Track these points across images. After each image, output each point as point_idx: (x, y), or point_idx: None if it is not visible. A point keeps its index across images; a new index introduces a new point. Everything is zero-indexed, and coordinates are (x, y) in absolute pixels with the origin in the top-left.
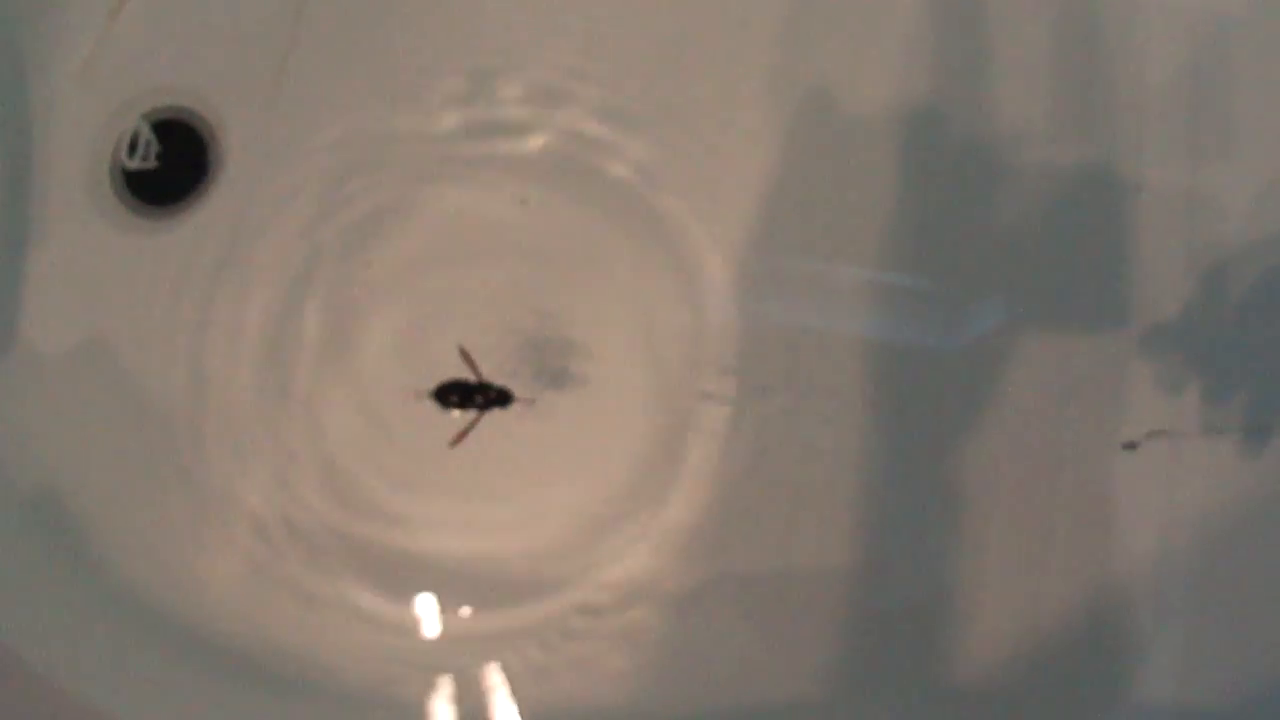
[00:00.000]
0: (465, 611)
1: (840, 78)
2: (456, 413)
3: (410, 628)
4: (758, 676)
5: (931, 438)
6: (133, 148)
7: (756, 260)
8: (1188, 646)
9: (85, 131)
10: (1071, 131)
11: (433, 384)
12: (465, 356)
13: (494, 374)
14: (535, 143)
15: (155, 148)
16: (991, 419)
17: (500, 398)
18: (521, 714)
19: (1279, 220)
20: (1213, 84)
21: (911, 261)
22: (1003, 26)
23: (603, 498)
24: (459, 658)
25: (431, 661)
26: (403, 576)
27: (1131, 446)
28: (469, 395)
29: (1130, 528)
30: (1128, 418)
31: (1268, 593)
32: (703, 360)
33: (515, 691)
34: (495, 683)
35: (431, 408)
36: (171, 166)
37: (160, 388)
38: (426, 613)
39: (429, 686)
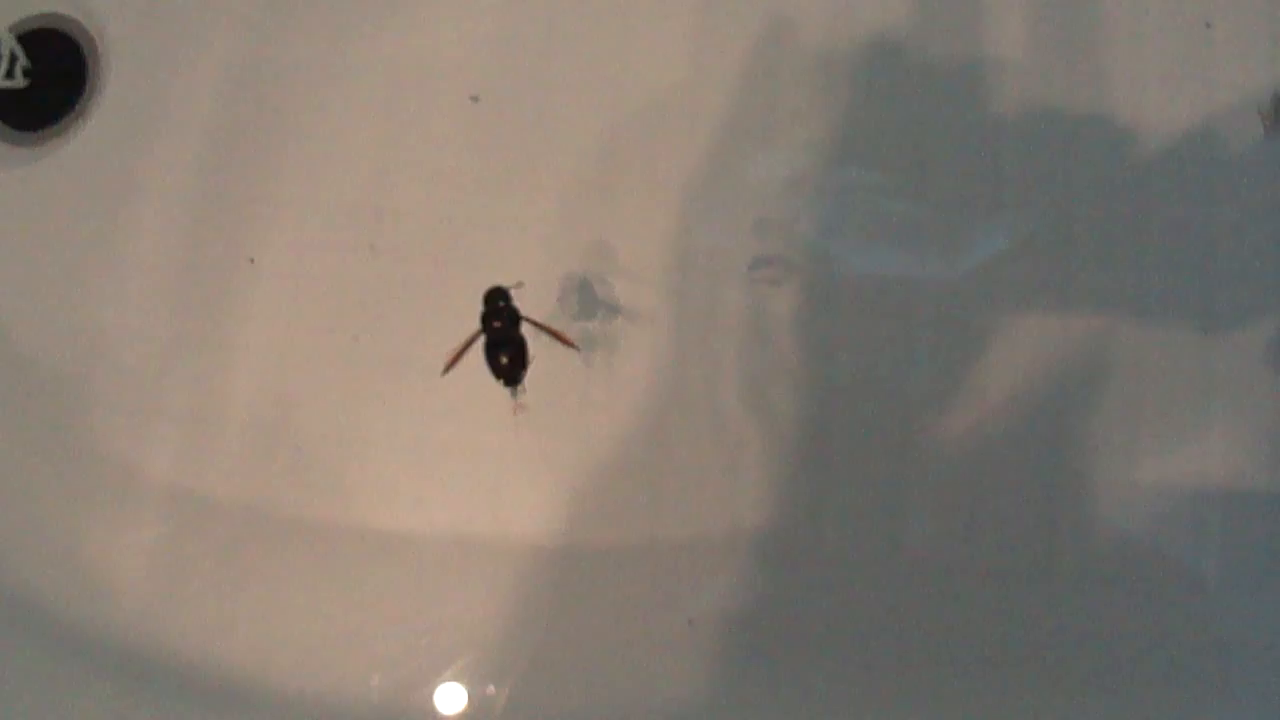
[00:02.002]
0: (416, 600)
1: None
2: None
3: (346, 619)
4: None
5: (934, 371)
6: None
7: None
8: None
9: None
10: (1068, 53)
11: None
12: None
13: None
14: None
15: (24, 64)
16: (993, 351)
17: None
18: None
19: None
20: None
21: (906, 187)
22: None
23: None
24: (403, 653)
25: (372, 660)
26: (340, 557)
27: None
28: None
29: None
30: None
31: None
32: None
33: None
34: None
35: (364, 346)
36: (43, 84)
37: (43, 343)
38: (367, 600)
39: (365, 688)
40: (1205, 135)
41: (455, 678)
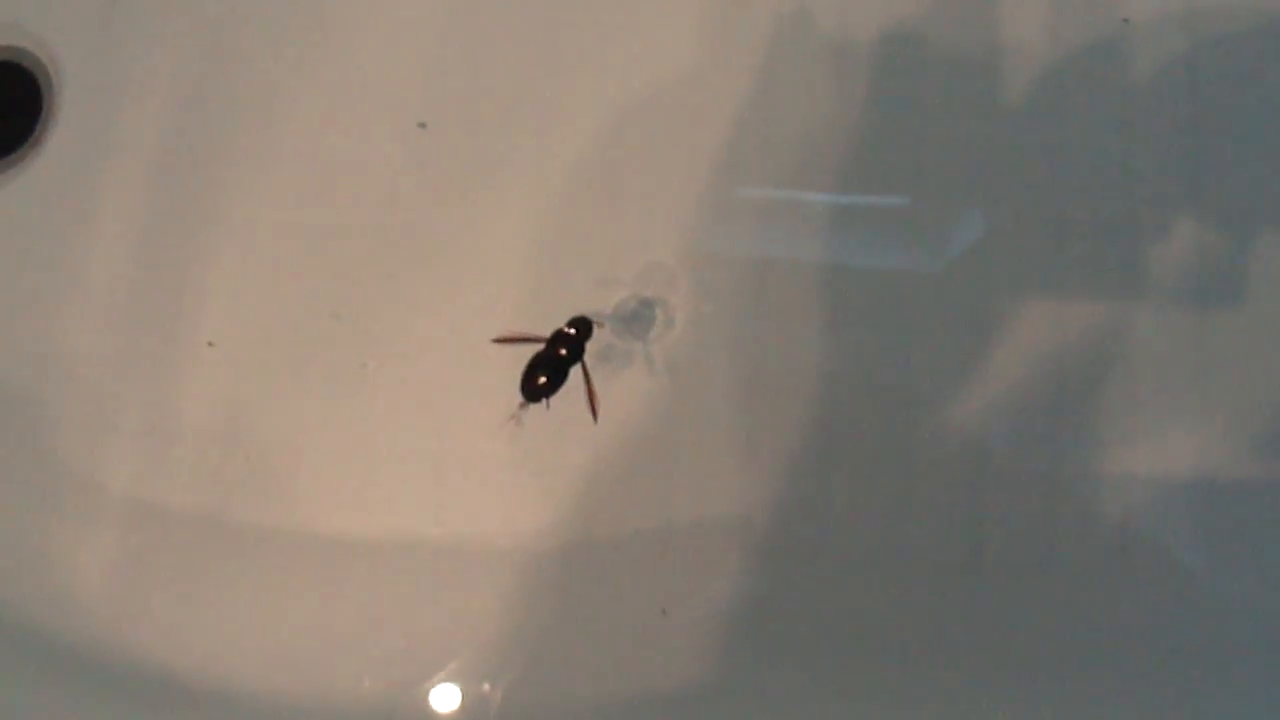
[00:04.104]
0: (377, 608)
1: None
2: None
3: (303, 626)
4: None
5: (913, 366)
6: None
7: (718, 187)
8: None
9: None
10: (1050, 36)
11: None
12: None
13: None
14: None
15: None
16: (979, 343)
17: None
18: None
19: None
20: None
21: (883, 180)
22: None
23: None
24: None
25: (356, 662)
26: (295, 566)
27: None
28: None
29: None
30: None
31: None
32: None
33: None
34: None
35: (325, 360)
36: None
37: (2, 364)
38: (325, 609)
39: (341, 690)
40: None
41: (443, 681)
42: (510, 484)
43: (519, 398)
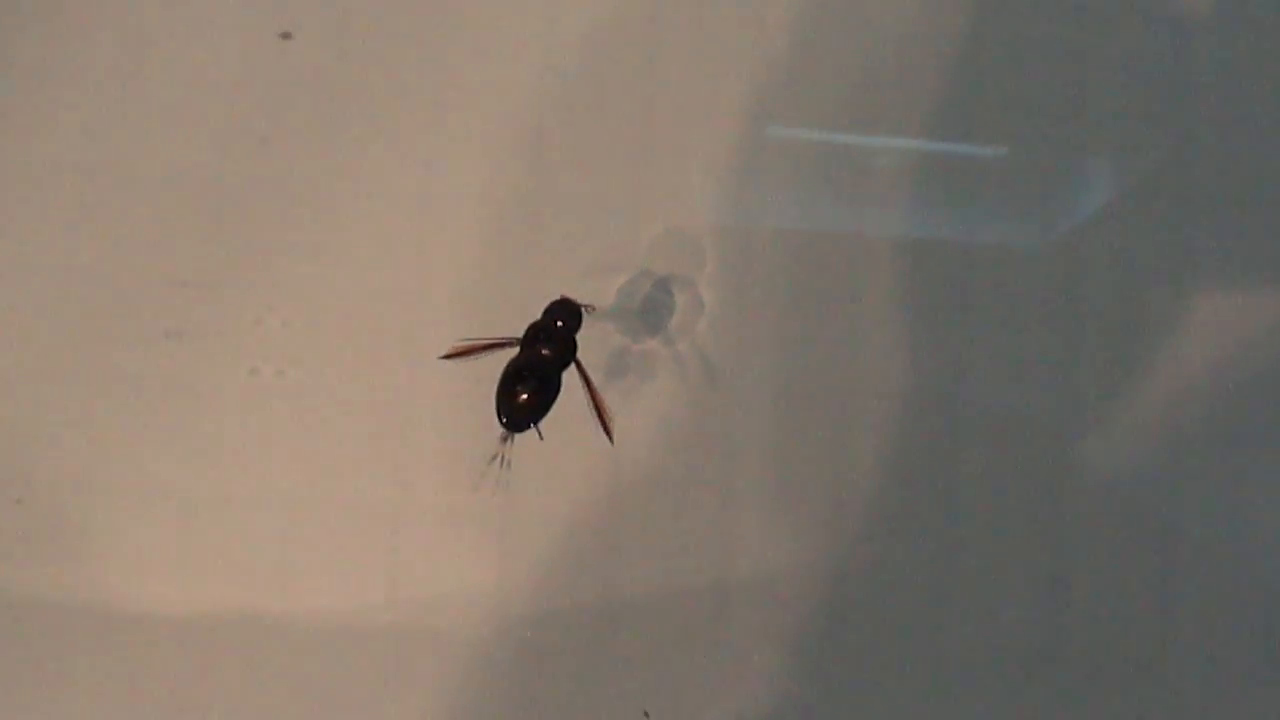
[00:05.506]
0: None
1: None
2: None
3: None
4: None
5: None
6: None
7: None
8: None
9: None
10: None
11: None
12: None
13: None
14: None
15: None
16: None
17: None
18: None
19: None
20: None
21: (974, 124)
22: None
23: None
24: None
25: None
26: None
27: None
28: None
29: None
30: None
31: None
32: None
33: None
34: None
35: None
36: None
37: None
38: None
39: None
40: None
41: None
42: (469, 546)
43: (498, 427)
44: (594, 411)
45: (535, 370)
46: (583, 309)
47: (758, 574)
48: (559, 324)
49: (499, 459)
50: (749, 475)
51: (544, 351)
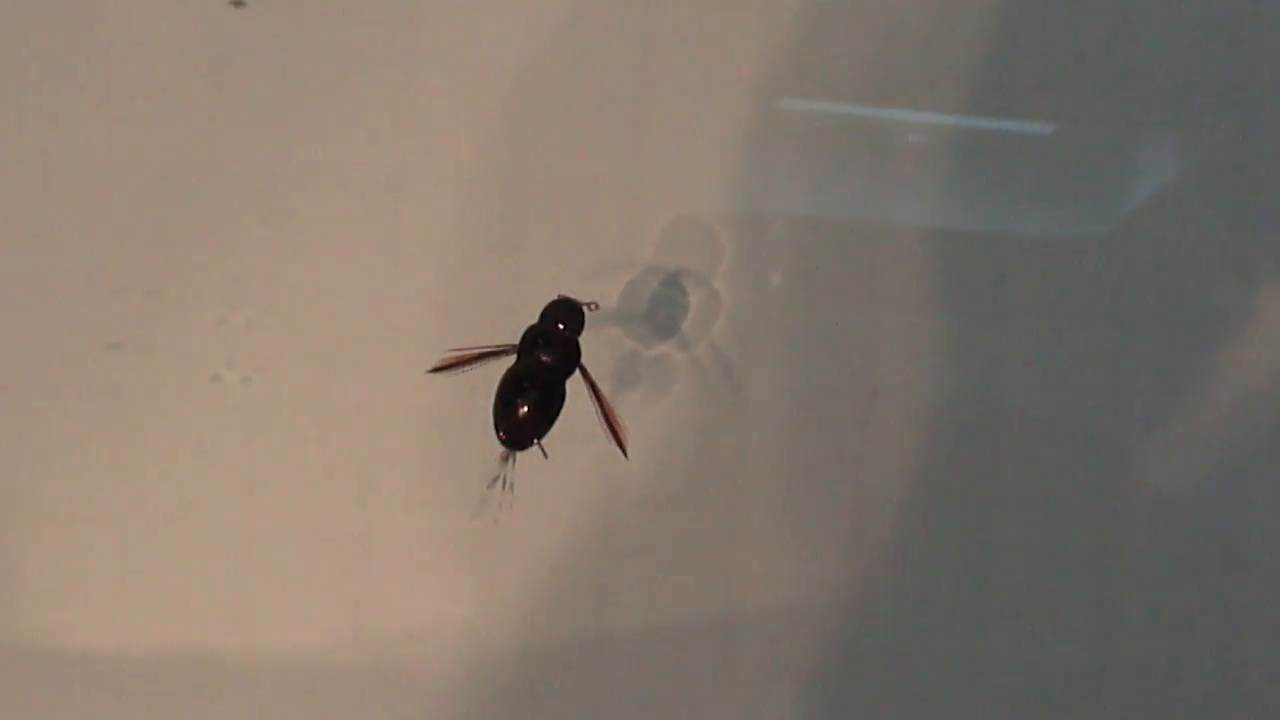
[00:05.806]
0: None
1: None
2: None
3: None
4: None
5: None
6: None
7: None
8: None
9: None
10: None
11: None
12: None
13: None
14: None
15: None
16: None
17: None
18: None
19: None
20: None
21: (1019, 99)
22: None
23: None
24: None
25: None
26: None
27: None
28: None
29: None
30: None
31: None
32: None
33: None
34: None
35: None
36: None
37: None
38: None
39: None
40: None
41: None
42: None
43: (495, 445)
44: (603, 422)
45: (536, 379)
46: (584, 308)
47: (768, 604)
48: (560, 327)
49: (500, 481)
50: (759, 491)
51: (544, 358)
